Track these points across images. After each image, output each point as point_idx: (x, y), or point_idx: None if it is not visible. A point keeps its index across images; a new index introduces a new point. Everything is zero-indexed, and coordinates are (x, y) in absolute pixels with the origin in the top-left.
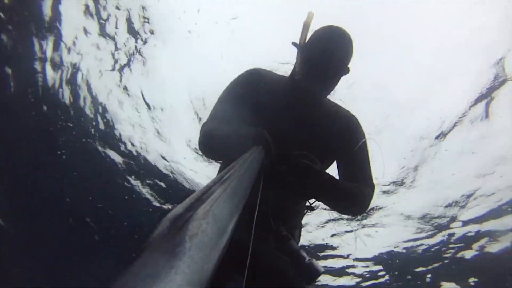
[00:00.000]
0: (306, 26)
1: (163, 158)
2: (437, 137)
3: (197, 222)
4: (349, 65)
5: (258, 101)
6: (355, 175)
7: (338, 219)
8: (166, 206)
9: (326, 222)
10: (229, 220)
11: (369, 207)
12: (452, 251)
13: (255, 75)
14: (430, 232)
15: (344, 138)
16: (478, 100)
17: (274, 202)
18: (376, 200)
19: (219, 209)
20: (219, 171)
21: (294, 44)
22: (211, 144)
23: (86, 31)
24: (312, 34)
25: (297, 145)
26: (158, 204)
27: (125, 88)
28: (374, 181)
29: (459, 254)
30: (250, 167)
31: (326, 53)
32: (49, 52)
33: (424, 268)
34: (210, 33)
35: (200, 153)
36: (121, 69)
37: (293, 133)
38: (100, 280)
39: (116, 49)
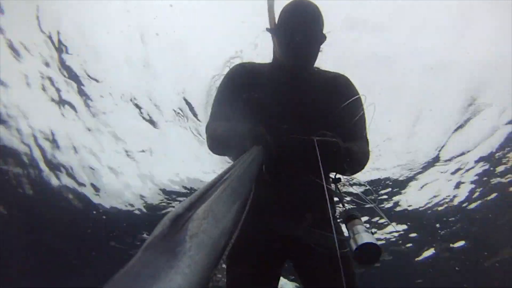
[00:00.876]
0: (270, 10)
1: None
2: None
3: (197, 222)
4: (324, 32)
5: (250, 94)
6: (351, 132)
7: None
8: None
9: None
10: (229, 220)
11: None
12: None
13: (240, 70)
14: None
15: (337, 98)
16: None
17: (298, 188)
18: None
19: (219, 209)
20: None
21: (267, 29)
22: (216, 145)
23: None
24: (279, 14)
25: (301, 123)
26: None
27: None
28: (368, 136)
29: None
30: (250, 167)
31: (298, 29)
32: None
33: None
34: None
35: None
36: None
37: (293, 113)
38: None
39: None
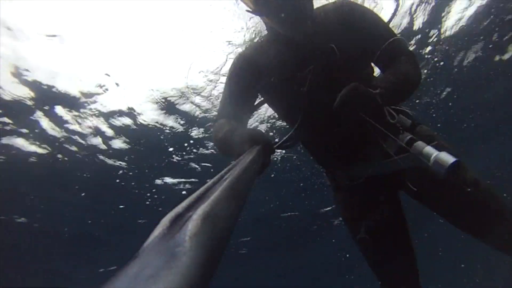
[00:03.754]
0: None
1: None
2: None
3: (197, 222)
4: None
5: (266, 80)
6: (384, 51)
7: None
8: None
9: None
10: (229, 220)
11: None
12: None
13: (242, 61)
14: None
15: (354, 28)
16: None
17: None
18: None
19: (219, 209)
20: None
21: (248, 11)
22: (220, 149)
23: None
24: None
25: (331, 82)
26: None
27: None
28: (397, 36)
29: None
30: (250, 167)
31: None
32: None
33: None
34: None
35: None
36: None
37: (317, 72)
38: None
39: None
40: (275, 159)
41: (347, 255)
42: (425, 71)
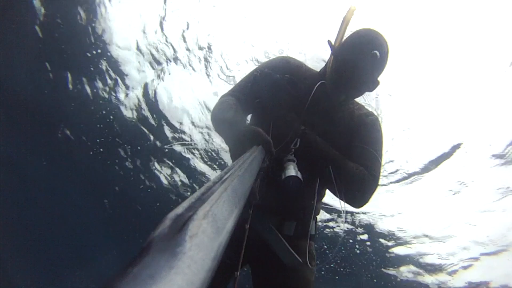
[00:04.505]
0: (344, 23)
1: None
2: None
3: (197, 222)
4: (379, 78)
5: (280, 87)
6: (360, 161)
7: None
8: None
9: None
10: (229, 220)
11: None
12: None
13: (284, 62)
14: None
15: (359, 133)
16: None
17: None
18: None
19: (219, 209)
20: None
21: (329, 43)
22: (215, 124)
23: None
24: (348, 36)
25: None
26: None
27: None
28: (380, 177)
29: None
30: (250, 167)
31: (354, 66)
32: None
33: None
34: None
35: None
36: None
37: (306, 125)
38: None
39: None
40: None
41: None
42: None
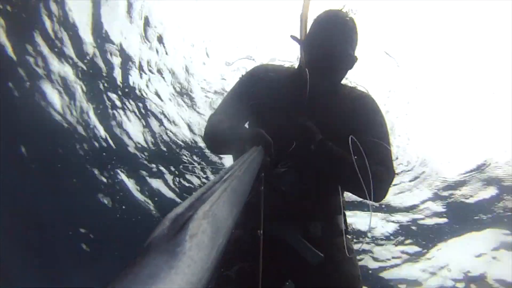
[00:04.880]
0: (304, 18)
1: None
2: None
3: (197, 222)
4: (355, 54)
5: (262, 98)
6: (372, 156)
7: None
8: None
9: None
10: (229, 220)
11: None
12: None
13: (259, 72)
14: None
15: (360, 119)
16: None
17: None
18: None
19: (219, 209)
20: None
21: (294, 38)
22: (213, 139)
23: None
24: (312, 23)
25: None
26: None
27: None
28: (394, 165)
29: None
30: (250, 167)
31: (325, 49)
32: None
33: None
34: None
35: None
36: None
37: (291, 131)
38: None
39: None
40: None
41: None
42: None
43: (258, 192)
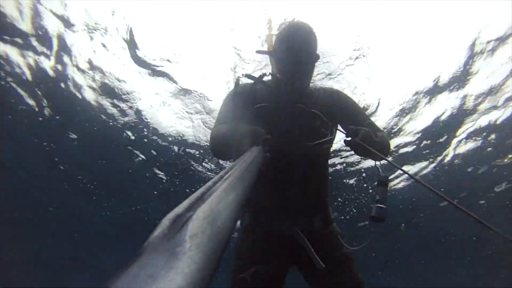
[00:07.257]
0: (269, 32)
1: None
2: None
3: (197, 222)
4: (317, 52)
5: (252, 110)
6: (367, 125)
7: None
8: None
9: None
10: (229, 220)
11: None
12: None
13: (246, 85)
14: None
15: (341, 108)
16: None
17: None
18: None
19: (219, 209)
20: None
21: (260, 52)
22: (217, 144)
23: None
24: (276, 36)
25: (302, 136)
26: None
27: None
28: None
29: None
30: (250, 167)
31: (293, 54)
32: None
33: None
34: None
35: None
36: None
37: (295, 128)
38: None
39: None
40: None
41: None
42: None
43: (261, 190)
